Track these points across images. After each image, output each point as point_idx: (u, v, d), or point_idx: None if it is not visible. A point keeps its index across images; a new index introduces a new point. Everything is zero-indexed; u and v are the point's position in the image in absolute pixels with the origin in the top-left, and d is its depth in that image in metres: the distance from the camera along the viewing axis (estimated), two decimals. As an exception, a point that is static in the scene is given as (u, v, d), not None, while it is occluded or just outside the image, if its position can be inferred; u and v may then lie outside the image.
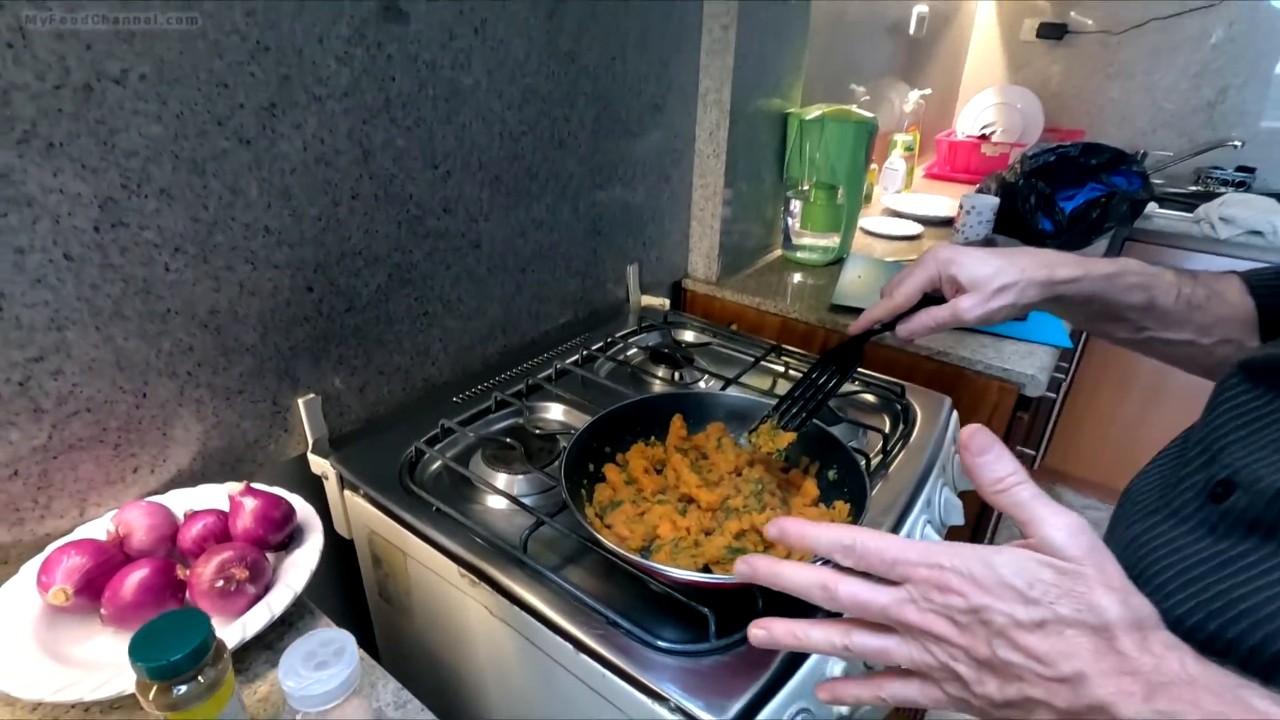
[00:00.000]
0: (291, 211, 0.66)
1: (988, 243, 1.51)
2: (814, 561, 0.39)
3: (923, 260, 0.60)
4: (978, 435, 0.33)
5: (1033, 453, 1.32)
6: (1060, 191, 1.55)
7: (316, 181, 0.67)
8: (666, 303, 1.18)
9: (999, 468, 0.32)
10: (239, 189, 0.61)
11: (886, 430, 0.81)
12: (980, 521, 1.15)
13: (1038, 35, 2.34)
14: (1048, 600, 0.29)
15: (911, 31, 1.93)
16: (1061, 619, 0.29)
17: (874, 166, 1.84)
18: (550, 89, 0.88)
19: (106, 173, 0.53)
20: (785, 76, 1.25)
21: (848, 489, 0.62)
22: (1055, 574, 0.30)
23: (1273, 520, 0.34)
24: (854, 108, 1.31)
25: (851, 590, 0.33)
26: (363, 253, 0.73)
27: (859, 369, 0.89)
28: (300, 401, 0.72)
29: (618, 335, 1.02)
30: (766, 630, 0.36)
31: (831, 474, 0.65)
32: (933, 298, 0.62)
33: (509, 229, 0.89)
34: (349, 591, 0.83)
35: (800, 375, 0.68)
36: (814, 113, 1.25)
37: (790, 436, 0.63)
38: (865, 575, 0.33)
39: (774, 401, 0.67)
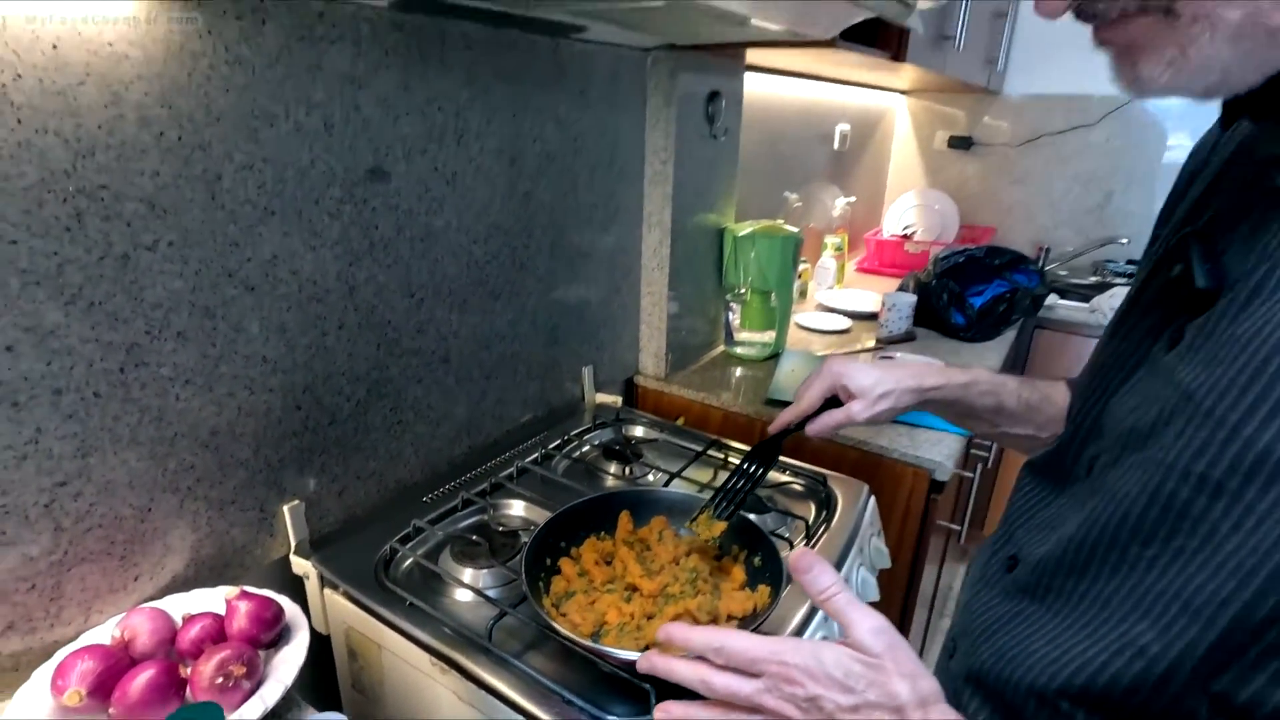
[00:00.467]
0: (286, 343, 0.76)
1: (908, 336, 1.68)
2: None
3: (821, 371, 0.74)
4: (803, 558, 0.44)
5: (958, 528, 1.44)
6: (969, 289, 1.75)
7: (309, 316, 0.78)
8: (619, 400, 1.29)
9: (822, 581, 0.43)
10: (242, 327, 0.72)
11: (810, 518, 0.92)
12: (908, 593, 1.25)
13: (949, 145, 2.63)
14: (859, 689, 0.39)
15: (835, 147, 2.17)
16: (870, 703, 0.39)
17: (807, 266, 2.03)
18: (511, 223, 1.01)
19: (134, 322, 0.63)
20: (719, 198, 1.43)
21: (769, 574, 0.72)
22: (864, 667, 0.40)
23: (1034, 585, 0.45)
24: (781, 222, 1.49)
25: (724, 682, 0.43)
26: (345, 373, 0.84)
27: (782, 460, 1.01)
28: (285, 508, 0.80)
29: (573, 433, 1.13)
30: (666, 713, 0.45)
31: (757, 560, 0.75)
32: (833, 401, 0.75)
33: (475, 344, 1.01)
34: (322, 684, 0.88)
35: (734, 468, 0.79)
36: (746, 229, 1.42)
37: (723, 525, 0.74)
38: (735, 669, 0.43)
39: (710, 494, 0.77)
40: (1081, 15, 0.36)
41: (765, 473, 0.78)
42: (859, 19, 0.94)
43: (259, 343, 0.73)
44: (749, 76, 1.44)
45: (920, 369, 0.71)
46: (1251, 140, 0.43)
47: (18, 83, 0.52)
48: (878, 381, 0.69)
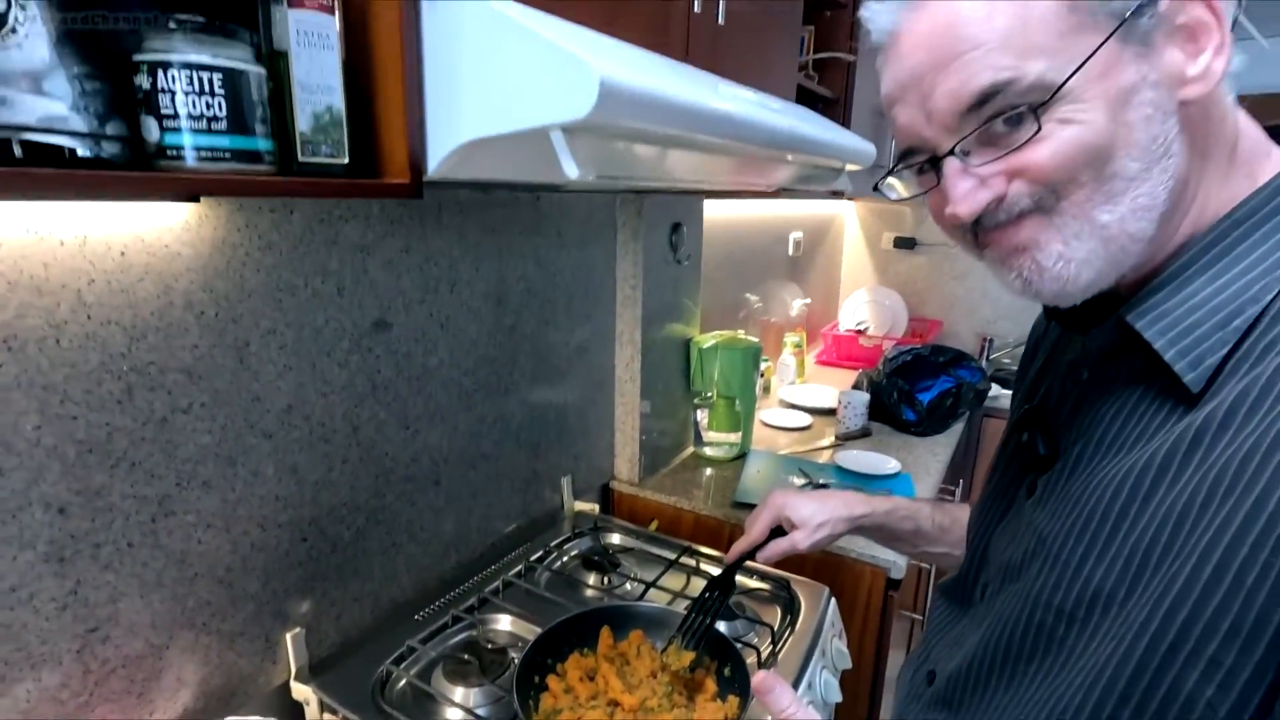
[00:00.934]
0: (297, 481, 0.84)
1: (864, 432, 1.80)
2: None
3: (766, 504, 0.84)
4: (765, 680, 0.52)
5: (919, 616, 1.52)
6: (917, 386, 1.89)
7: (318, 455, 0.86)
8: (596, 507, 1.37)
9: (782, 701, 0.52)
10: (259, 471, 0.80)
11: (776, 624, 1.00)
12: (875, 685, 1.31)
13: (895, 245, 2.86)
14: None
15: (790, 252, 2.36)
16: None
17: (769, 364, 2.17)
18: (497, 354, 1.12)
19: (167, 477, 0.71)
20: (685, 314, 1.56)
21: (737, 684, 0.80)
22: None
23: (949, 698, 0.54)
24: (741, 333, 1.63)
25: None
26: (347, 503, 0.91)
27: (749, 565, 1.10)
28: (288, 636, 0.86)
29: (553, 544, 1.20)
30: None
31: (726, 671, 0.83)
32: (778, 529, 0.86)
33: (463, 465, 1.09)
34: (313, 810, 0.91)
35: (705, 581, 0.87)
36: (709, 341, 1.55)
37: (692, 655, 0.81)
38: None
39: (685, 603, 0.85)
40: (979, 224, 0.44)
41: (724, 602, 0.86)
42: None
43: (273, 483, 0.81)
44: (708, 204, 1.60)
45: (850, 498, 0.82)
46: (1064, 341, 0.56)
47: (91, 286, 0.62)
48: (815, 513, 0.80)
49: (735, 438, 1.62)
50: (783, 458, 1.62)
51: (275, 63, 0.45)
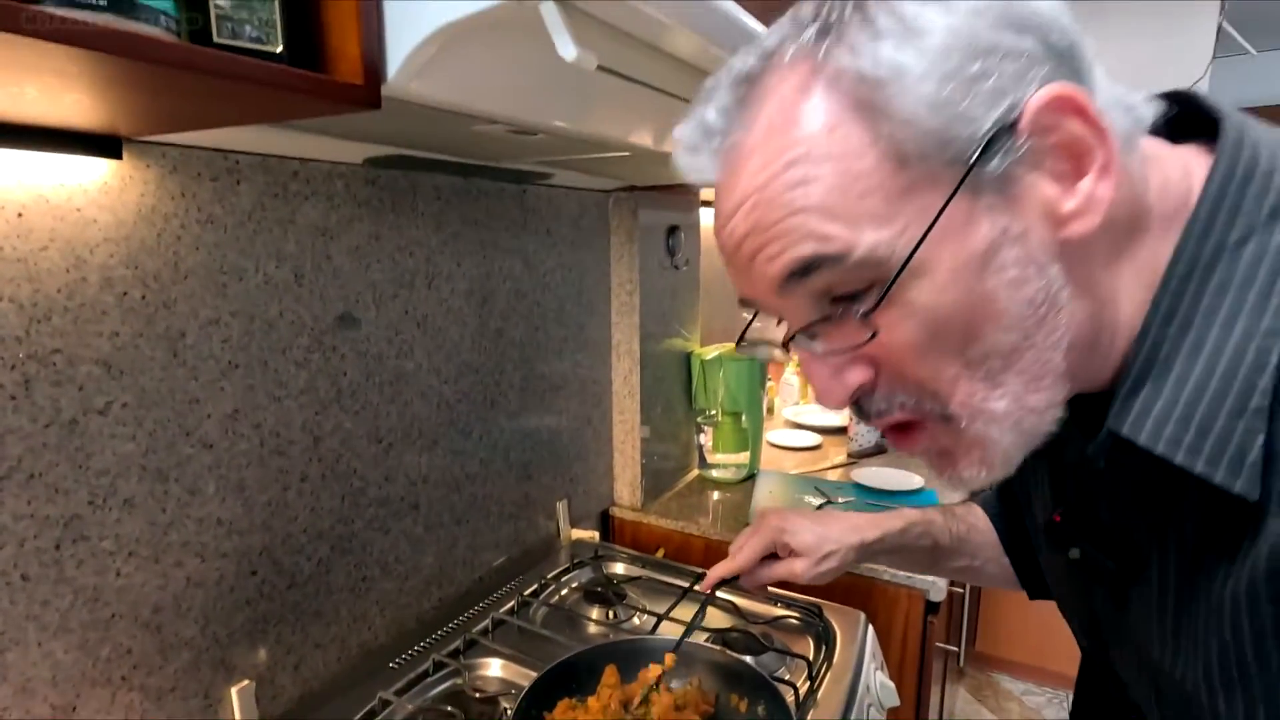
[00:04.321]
0: (243, 502, 0.71)
1: (878, 449, 1.69)
2: None
3: (759, 527, 0.72)
4: None
5: (955, 648, 1.38)
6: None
7: (270, 471, 0.73)
8: (596, 535, 1.24)
9: None
10: (197, 489, 0.67)
11: (810, 656, 0.86)
12: (918, 731, 1.17)
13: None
14: None
15: (787, 270, 2.28)
16: None
17: (772, 383, 2.06)
18: (482, 361, 1.00)
19: (76, 493, 0.58)
20: (685, 324, 1.46)
21: (777, 727, 0.66)
22: None
23: None
24: (746, 345, 1.52)
25: None
26: (307, 530, 0.78)
27: (774, 591, 0.97)
28: (234, 690, 0.71)
29: (550, 576, 1.06)
30: None
31: (761, 709, 0.69)
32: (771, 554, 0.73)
33: (445, 487, 0.96)
34: None
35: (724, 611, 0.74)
36: (712, 353, 1.45)
37: (671, 695, 0.70)
38: None
39: (705, 635, 0.73)
40: (861, 414, 0.38)
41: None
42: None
43: (214, 504, 0.68)
44: (704, 211, 1.52)
45: (858, 521, 0.70)
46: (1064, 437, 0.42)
47: (-25, 251, 0.51)
48: (822, 540, 0.68)
49: (743, 458, 1.50)
50: (795, 477, 1.50)
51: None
